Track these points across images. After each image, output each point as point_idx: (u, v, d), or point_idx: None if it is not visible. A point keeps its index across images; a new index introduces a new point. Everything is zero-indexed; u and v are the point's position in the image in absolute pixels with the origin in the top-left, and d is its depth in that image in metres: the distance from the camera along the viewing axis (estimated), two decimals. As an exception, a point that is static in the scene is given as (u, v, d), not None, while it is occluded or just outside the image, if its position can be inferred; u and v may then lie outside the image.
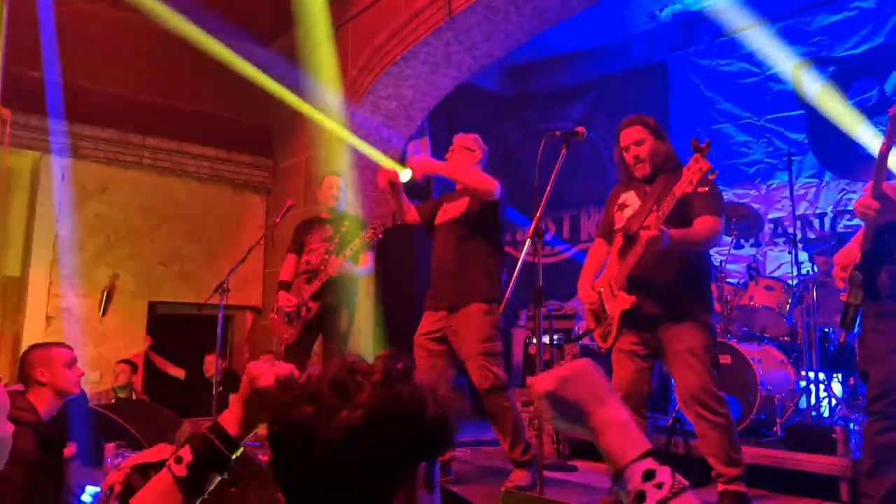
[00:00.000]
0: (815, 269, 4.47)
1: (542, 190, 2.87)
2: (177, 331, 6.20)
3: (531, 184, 2.95)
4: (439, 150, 6.47)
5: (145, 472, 2.38)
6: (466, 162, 3.64)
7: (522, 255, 2.79)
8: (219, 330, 4.69)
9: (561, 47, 6.64)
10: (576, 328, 5.16)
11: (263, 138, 6.72)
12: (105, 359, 5.70)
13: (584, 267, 3.16)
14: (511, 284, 2.82)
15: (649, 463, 0.81)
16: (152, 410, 4.49)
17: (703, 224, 2.77)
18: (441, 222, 3.64)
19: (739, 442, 2.82)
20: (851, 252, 2.17)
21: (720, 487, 2.78)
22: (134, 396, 5.59)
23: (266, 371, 1.12)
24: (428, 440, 0.83)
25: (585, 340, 5.09)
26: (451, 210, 3.61)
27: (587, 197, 6.45)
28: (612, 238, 3.05)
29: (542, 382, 0.89)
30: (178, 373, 5.89)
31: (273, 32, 6.39)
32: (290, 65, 6.49)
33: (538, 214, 2.81)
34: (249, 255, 4.78)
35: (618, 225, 3.03)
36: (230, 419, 1.14)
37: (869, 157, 5.07)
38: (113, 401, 5.35)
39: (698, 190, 2.65)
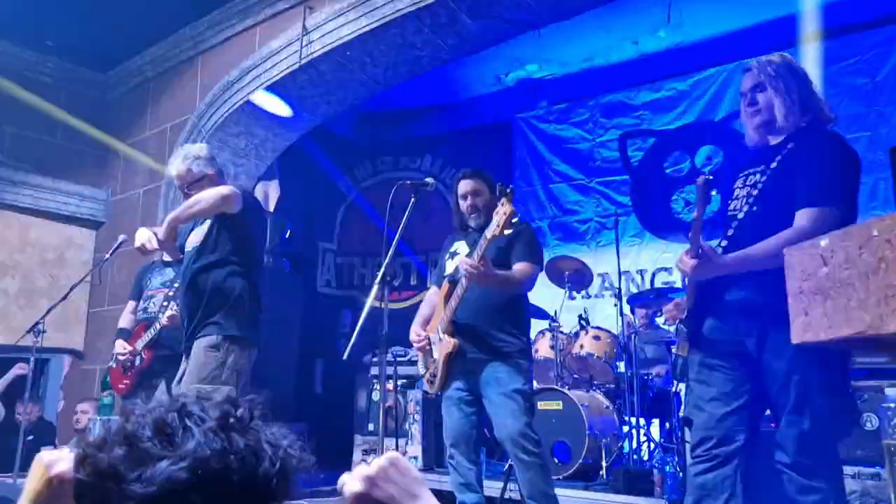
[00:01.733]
0: (637, 321, 4.88)
1: (391, 236, 2.93)
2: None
3: (381, 230, 3.00)
4: (289, 192, 6.38)
5: None
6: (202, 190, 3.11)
7: (370, 300, 2.81)
8: (29, 374, 4.24)
9: (414, 100, 6.86)
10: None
11: (96, 168, 6.25)
12: None
13: (417, 313, 3.24)
14: (356, 329, 2.82)
15: None
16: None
17: (520, 269, 2.95)
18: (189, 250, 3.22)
19: (552, 483, 2.93)
20: (680, 303, 2.40)
21: None
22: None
23: (61, 456, 0.91)
24: (260, 498, 0.75)
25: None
26: (194, 238, 3.17)
27: (436, 245, 6.59)
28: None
29: (350, 484, 0.86)
30: None
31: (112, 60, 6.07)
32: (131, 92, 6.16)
33: (386, 261, 2.85)
34: (72, 292, 4.38)
35: (448, 272, 3.16)
36: None
37: (680, 221, 5.69)
38: None
39: (513, 237, 2.87)
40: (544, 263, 3.19)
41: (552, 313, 4.97)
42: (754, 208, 2.15)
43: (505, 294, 2.98)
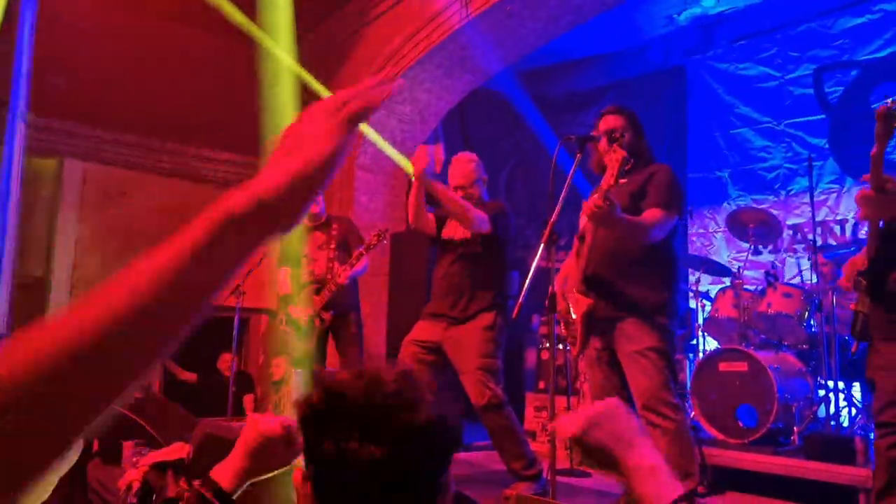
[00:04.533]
0: (817, 278, 4.39)
1: (556, 194, 2.86)
2: (191, 332, 6.24)
3: (546, 188, 2.94)
4: (452, 156, 6.48)
5: (163, 470, 2.43)
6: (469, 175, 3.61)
7: (536, 261, 2.78)
8: (235, 332, 4.74)
9: (576, 52, 6.62)
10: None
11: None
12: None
13: (556, 275, 3.10)
14: (524, 289, 2.80)
15: None
16: (169, 410, 4.54)
17: (648, 215, 2.75)
18: (448, 237, 3.61)
19: (696, 452, 2.74)
20: (858, 259, 2.13)
21: None
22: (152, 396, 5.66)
23: (272, 420, 1.13)
24: (452, 448, 0.83)
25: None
26: (458, 229, 3.57)
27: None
28: None
29: (568, 426, 0.89)
30: (190, 377, 5.94)
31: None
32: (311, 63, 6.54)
33: (552, 220, 2.79)
34: (265, 258, 4.80)
35: (580, 228, 3.02)
36: (226, 472, 1.11)
37: (891, 162, 4.99)
38: (131, 401, 5.40)
39: (646, 181, 2.75)
40: (681, 209, 2.91)
41: (735, 269, 4.64)
42: None
43: (637, 243, 2.79)
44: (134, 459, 2.96)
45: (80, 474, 3.22)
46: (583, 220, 2.98)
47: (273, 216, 0.58)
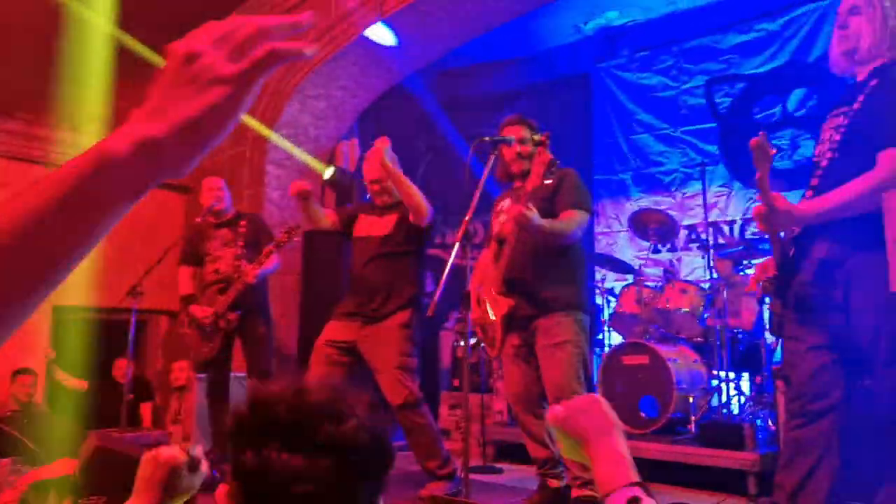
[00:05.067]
0: (716, 273, 4.70)
1: (471, 194, 2.91)
2: (84, 336, 5.87)
3: (460, 188, 2.99)
4: (365, 146, 6.45)
5: (45, 490, 2.24)
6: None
7: (451, 258, 2.81)
8: (131, 335, 4.50)
9: (490, 55, 6.74)
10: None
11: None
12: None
13: (471, 277, 3.15)
14: (440, 287, 2.83)
15: (636, 491, 0.85)
16: (53, 422, 4.24)
17: (565, 217, 2.88)
18: (362, 236, 3.59)
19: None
20: (768, 263, 2.31)
21: (574, 492, 2.83)
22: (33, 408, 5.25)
23: (175, 451, 1.15)
24: (382, 466, 0.82)
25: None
26: (375, 227, 3.56)
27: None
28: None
29: (555, 411, 0.97)
30: (80, 385, 5.52)
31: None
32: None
33: (467, 218, 2.84)
34: (167, 256, 4.60)
35: (494, 231, 3.11)
36: None
37: (772, 168, 5.38)
38: (8, 413, 4.99)
39: (556, 185, 2.85)
40: (591, 208, 3.09)
41: (636, 267, 4.88)
42: (837, 154, 2.04)
43: (554, 246, 2.92)
44: (10, 479, 2.73)
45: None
46: (500, 224, 3.05)
47: (155, 157, 0.54)
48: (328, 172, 3.82)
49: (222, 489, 0.81)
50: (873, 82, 2.00)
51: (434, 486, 3.28)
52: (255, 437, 0.75)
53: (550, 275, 2.91)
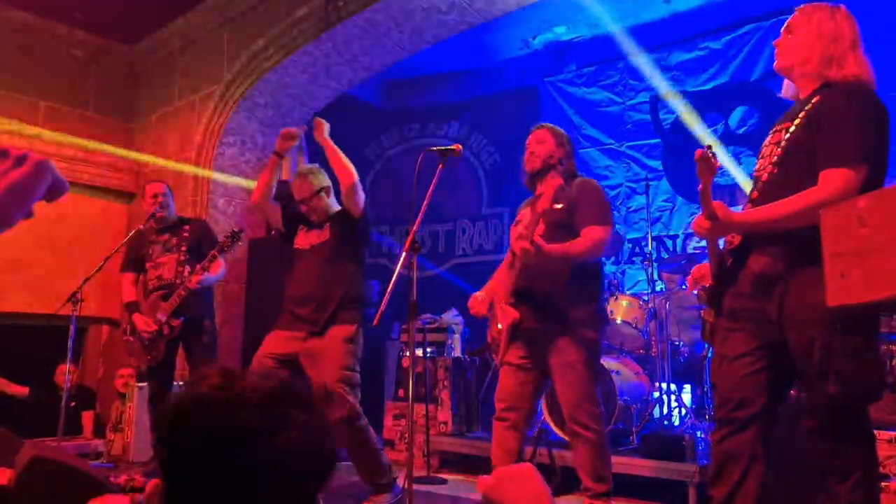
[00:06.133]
0: (664, 286, 4.82)
1: (418, 204, 2.91)
2: (23, 343, 5.65)
3: (408, 198, 2.98)
4: (316, 162, 6.40)
5: None
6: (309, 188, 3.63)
7: (398, 268, 2.80)
8: (70, 342, 4.36)
9: (439, 66, 6.79)
10: (448, 341, 5.24)
11: (126, 138, 6.33)
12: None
13: (488, 282, 3.17)
14: (385, 297, 2.82)
15: None
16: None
17: (586, 234, 2.80)
18: (302, 248, 3.56)
19: (610, 460, 2.87)
20: (704, 267, 2.36)
21: (585, 501, 2.85)
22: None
23: (118, 499, 1.11)
24: (322, 471, 0.85)
25: (457, 353, 5.19)
26: (312, 237, 3.54)
27: (462, 212, 6.62)
28: None
29: (485, 481, 0.96)
30: (21, 391, 5.37)
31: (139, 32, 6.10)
32: (160, 64, 6.19)
33: (414, 228, 2.83)
34: (107, 263, 4.46)
35: (512, 239, 3.12)
36: None
37: (714, 184, 5.54)
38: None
39: (575, 197, 2.82)
40: (612, 221, 3.01)
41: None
42: (777, 169, 2.08)
43: (576, 264, 2.85)
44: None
45: None
46: (516, 233, 3.01)
47: None
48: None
49: (152, 483, 0.80)
50: (816, 99, 2.04)
51: (376, 497, 3.26)
52: (184, 441, 0.74)
53: (563, 290, 2.85)
